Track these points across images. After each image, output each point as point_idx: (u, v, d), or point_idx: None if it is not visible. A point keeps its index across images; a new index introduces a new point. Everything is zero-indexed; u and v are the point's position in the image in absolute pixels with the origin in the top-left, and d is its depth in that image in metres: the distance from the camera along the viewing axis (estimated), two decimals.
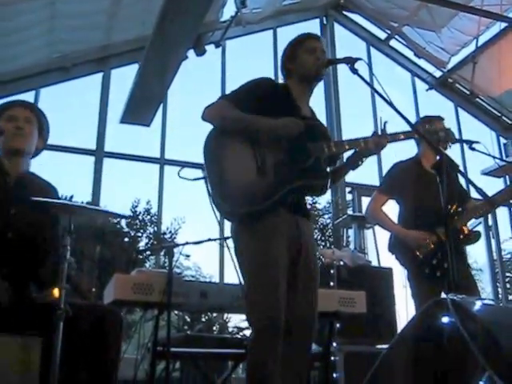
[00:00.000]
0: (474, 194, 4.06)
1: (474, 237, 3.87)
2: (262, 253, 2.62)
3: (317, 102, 9.02)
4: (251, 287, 2.65)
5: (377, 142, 2.89)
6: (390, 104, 2.64)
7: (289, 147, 2.78)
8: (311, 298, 2.76)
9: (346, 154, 3.04)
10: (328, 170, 2.92)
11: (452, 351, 1.69)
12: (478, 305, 1.84)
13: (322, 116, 8.99)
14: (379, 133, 2.93)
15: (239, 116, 2.78)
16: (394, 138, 2.97)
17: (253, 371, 2.57)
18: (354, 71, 2.74)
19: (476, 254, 10.15)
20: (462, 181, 4.21)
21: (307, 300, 2.73)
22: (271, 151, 2.75)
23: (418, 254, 3.71)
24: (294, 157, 2.76)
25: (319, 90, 9.15)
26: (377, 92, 2.70)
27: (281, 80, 3.15)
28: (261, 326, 2.55)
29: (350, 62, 2.76)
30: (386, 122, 2.92)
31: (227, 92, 2.97)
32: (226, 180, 2.67)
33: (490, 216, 9.26)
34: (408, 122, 2.66)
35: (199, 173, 2.86)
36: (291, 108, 2.94)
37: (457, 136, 4.10)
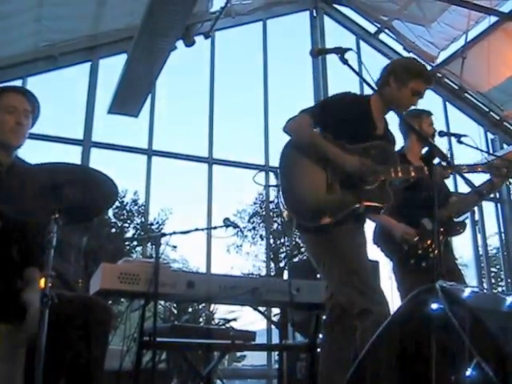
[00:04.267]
0: (461, 188, 4.09)
1: (459, 227, 3.89)
2: (350, 260, 2.84)
3: (305, 93, 9.05)
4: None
5: (440, 172, 3.03)
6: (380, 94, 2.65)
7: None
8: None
9: None
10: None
11: (440, 338, 1.69)
12: (466, 292, 1.85)
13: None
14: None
15: (315, 142, 2.95)
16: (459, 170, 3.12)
17: None
18: (344, 61, 2.74)
19: (462, 249, 10.20)
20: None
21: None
22: (341, 171, 2.89)
23: (403, 245, 3.71)
24: (362, 177, 2.90)
25: (308, 82, 9.17)
26: (366, 82, 2.70)
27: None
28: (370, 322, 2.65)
29: (340, 52, 2.76)
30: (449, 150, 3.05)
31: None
32: (296, 193, 2.89)
33: (476, 211, 9.31)
34: (396, 112, 2.67)
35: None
36: (368, 126, 3.08)
37: (445, 131, 4.11)
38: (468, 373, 1.61)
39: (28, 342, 2.33)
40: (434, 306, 1.74)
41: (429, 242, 3.63)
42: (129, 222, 7.27)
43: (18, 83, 7.23)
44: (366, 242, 3.06)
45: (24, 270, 2.57)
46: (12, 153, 2.73)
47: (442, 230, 3.78)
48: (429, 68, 9.94)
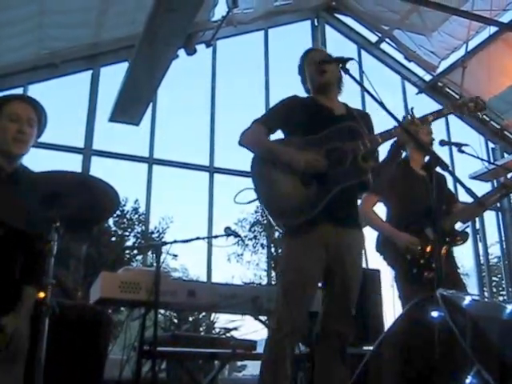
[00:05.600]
0: (462, 197, 4.08)
1: (461, 237, 3.87)
2: (294, 270, 2.79)
3: None
4: (280, 298, 2.81)
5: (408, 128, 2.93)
6: (381, 104, 2.64)
7: (326, 153, 2.89)
8: (347, 310, 2.86)
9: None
10: (369, 165, 2.95)
11: (441, 345, 1.69)
12: (467, 300, 1.85)
13: None
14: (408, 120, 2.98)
15: (268, 148, 2.97)
16: (424, 121, 3.03)
17: (265, 371, 2.80)
18: (346, 71, 2.75)
19: (463, 259, 10.18)
20: (450, 185, 4.23)
21: (342, 311, 2.86)
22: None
23: (406, 255, 3.70)
24: (332, 162, 2.85)
25: None
26: (367, 92, 2.69)
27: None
28: (279, 335, 2.71)
29: (342, 61, 2.76)
30: (412, 108, 2.96)
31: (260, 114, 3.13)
32: (275, 199, 2.85)
33: (477, 220, 9.30)
34: (397, 121, 2.66)
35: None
36: (322, 112, 3.06)
37: (446, 140, 4.11)
38: (468, 380, 1.61)
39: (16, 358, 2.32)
40: (435, 313, 1.74)
41: (430, 251, 3.62)
42: (129, 230, 7.24)
43: (19, 91, 7.24)
44: (343, 245, 2.89)
45: (24, 284, 2.56)
46: (15, 161, 2.71)
47: (446, 239, 3.78)
48: (430, 77, 9.99)
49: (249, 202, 3.14)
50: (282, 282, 2.85)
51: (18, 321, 2.37)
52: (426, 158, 3.86)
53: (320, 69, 3.07)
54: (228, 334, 6.52)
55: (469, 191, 2.45)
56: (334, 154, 2.88)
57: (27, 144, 2.70)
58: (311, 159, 2.83)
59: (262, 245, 12.95)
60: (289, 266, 2.83)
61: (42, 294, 2.18)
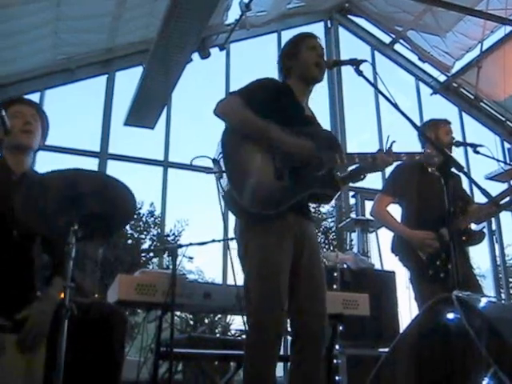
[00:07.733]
0: (477, 199, 4.07)
1: (477, 237, 3.86)
2: (265, 262, 2.65)
3: (321, 104, 9.04)
4: (252, 294, 2.68)
5: (383, 159, 2.91)
6: (395, 106, 2.64)
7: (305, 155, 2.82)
8: (317, 304, 2.76)
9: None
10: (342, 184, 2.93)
11: (457, 347, 1.69)
12: (483, 302, 1.85)
13: (326, 119, 9.03)
14: (385, 151, 2.95)
15: (257, 124, 2.75)
16: (399, 158, 3.00)
17: (250, 374, 2.67)
18: (359, 73, 2.74)
19: (479, 260, 10.11)
20: (465, 185, 4.22)
21: (313, 307, 2.73)
22: (288, 156, 2.76)
23: (421, 255, 3.70)
24: (309, 165, 2.79)
25: (323, 93, 9.16)
26: (381, 94, 2.70)
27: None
28: (259, 333, 2.60)
29: (356, 63, 2.76)
30: (393, 142, 2.94)
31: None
32: (246, 178, 2.67)
33: (493, 221, 9.25)
34: (412, 123, 2.66)
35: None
36: (296, 108, 2.98)
37: (461, 140, 4.10)
38: (485, 382, 1.60)
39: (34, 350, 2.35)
40: (451, 315, 1.74)
41: (446, 252, 3.61)
42: (145, 233, 7.26)
43: (35, 96, 7.34)
44: (308, 236, 2.81)
45: (51, 278, 2.61)
46: (26, 159, 2.75)
47: (463, 239, 3.77)
48: (444, 78, 9.95)
49: (208, 172, 3.06)
50: (257, 274, 2.66)
51: (40, 308, 2.41)
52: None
53: (320, 62, 2.98)
54: (243, 336, 6.50)
55: (484, 192, 2.45)
56: (313, 158, 2.81)
57: (34, 136, 2.76)
58: (307, 146, 2.77)
59: None
60: (263, 257, 2.66)
61: (61, 295, 2.21)
